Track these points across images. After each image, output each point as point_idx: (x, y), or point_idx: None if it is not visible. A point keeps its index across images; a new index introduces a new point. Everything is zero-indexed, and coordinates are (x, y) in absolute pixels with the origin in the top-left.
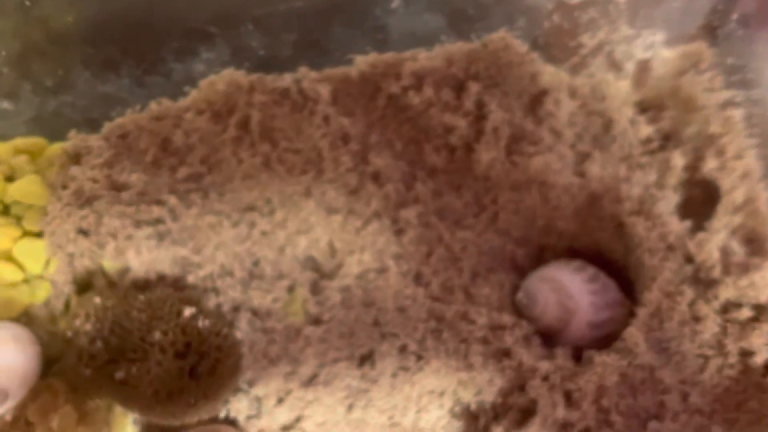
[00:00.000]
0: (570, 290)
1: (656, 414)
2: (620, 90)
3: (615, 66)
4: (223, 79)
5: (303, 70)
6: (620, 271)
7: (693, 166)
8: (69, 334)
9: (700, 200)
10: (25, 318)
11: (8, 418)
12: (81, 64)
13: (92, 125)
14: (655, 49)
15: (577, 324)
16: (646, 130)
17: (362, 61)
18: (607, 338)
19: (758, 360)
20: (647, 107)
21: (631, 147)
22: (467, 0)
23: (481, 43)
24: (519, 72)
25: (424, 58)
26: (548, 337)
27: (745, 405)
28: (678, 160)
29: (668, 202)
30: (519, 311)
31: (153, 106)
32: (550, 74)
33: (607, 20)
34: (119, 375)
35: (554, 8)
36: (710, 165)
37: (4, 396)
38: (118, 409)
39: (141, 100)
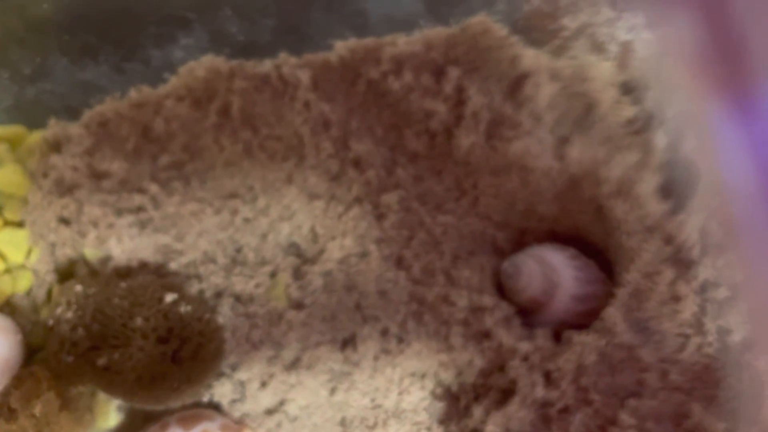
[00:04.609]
0: (554, 264)
1: (635, 392)
2: (603, 71)
3: (598, 48)
4: (202, 66)
5: (283, 56)
6: (600, 254)
7: (674, 147)
8: (50, 321)
9: (681, 181)
10: (8, 308)
11: None
12: (58, 50)
13: (72, 113)
14: (637, 31)
15: (561, 297)
16: (629, 111)
17: (342, 47)
18: (589, 315)
19: (736, 338)
20: (631, 88)
21: (613, 129)
22: None
23: (460, 27)
24: (499, 56)
25: (403, 43)
26: (532, 313)
27: (723, 382)
28: (660, 140)
29: (648, 183)
30: (503, 283)
31: (133, 94)
32: (530, 57)
33: (588, 2)
34: (101, 361)
35: None
36: (691, 145)
37: None
38: (102, 396)
39: (120, 87)
